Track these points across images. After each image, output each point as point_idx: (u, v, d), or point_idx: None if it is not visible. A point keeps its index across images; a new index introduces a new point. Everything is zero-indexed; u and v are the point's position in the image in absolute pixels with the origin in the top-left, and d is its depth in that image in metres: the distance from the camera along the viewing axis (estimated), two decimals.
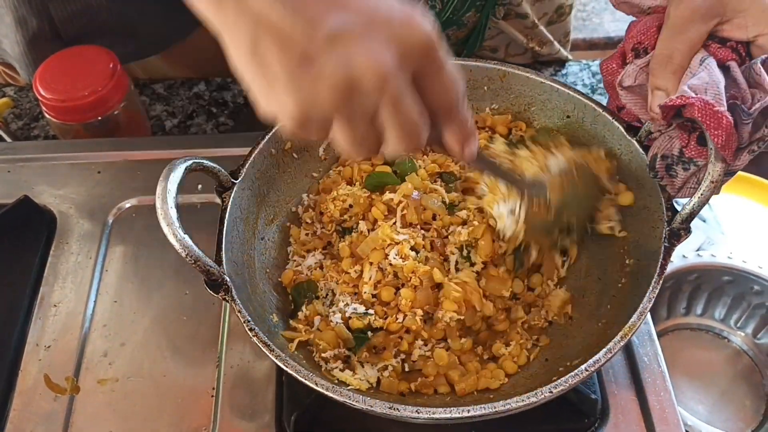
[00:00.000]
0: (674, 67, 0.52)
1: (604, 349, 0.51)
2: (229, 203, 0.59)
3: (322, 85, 0.37)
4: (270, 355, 0.51)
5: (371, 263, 0.60)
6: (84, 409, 0.61)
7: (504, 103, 0.70)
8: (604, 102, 0.65)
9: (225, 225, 0.58)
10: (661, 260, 0.54)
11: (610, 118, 0.63)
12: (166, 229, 0.49)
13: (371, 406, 0.49)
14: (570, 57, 0.92)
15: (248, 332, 0.52)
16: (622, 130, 0.62)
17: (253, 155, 0.62)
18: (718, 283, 0.80)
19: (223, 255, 0.56)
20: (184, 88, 0.94)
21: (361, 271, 0.60)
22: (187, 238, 0.50)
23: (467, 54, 0.88)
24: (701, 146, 0.52)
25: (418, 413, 0.49)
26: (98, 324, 0.67)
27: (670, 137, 0.55)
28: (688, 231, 0.55)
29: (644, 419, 0.59)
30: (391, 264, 0.60)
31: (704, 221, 0.87)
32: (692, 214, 0.54)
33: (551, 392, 0.49)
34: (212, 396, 0.62)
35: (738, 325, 0.81)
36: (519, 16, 0.85)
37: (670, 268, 0.79)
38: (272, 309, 0.60)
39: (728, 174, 0.52)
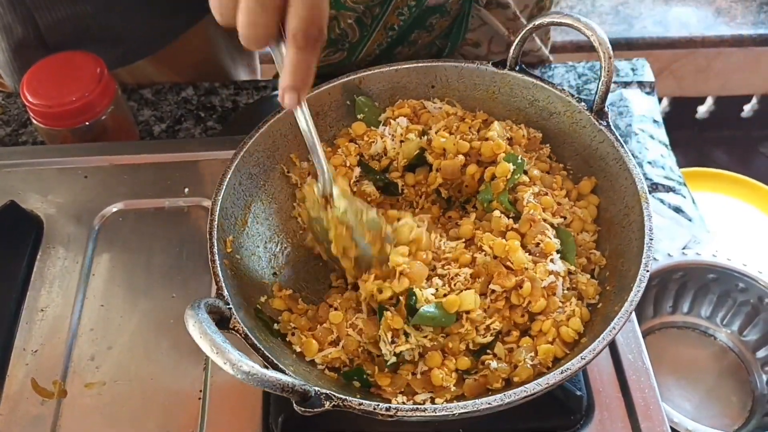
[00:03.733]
0: None
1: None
2: (245, 330, 0.53)
3: None
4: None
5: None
6: (71, 413, 0.61)
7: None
8: None
9: (262, 350, 0.52)
10: (614, 139, 0.60)
11: (471, 64, 0.68)
12: (232, 371, 0.43)
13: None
14: (551, 58, 0.93)
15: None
16: (492, 69, 0.68)
17: (219, 276, 0.56)
18: (704, 281, 0.81)
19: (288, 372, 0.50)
20: (172, 93, 0.95)
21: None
22: (264, 370, 0.43)
23: (451, 48, 0.88)
24: None
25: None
26: (85, 328, 0.66)
27: None
28: (608, 108, 0.62)
29: (629, 415, 0.60)
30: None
31: (690, 220, 0.88)
32: (606, 93, 0.60)
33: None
34: (200, 399, 0.62)
35: (724, 322, 0.81)
36: (500, 5, 0.85)
37: (655, 266, 0.80)
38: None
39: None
